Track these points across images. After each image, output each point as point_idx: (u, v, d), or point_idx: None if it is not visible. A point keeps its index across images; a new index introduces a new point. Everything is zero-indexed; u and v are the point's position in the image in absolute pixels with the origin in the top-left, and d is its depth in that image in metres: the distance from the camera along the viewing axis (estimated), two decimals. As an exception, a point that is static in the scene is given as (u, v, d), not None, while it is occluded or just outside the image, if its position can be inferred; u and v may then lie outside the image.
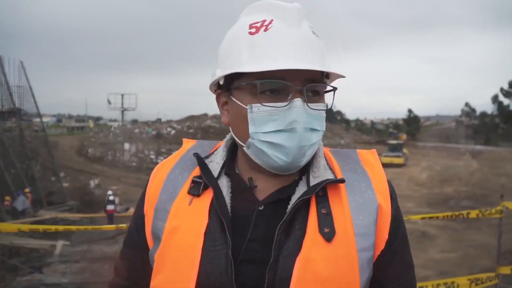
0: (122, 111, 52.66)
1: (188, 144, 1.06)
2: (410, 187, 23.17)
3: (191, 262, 0.84)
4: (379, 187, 0.91)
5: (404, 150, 34.31)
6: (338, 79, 0.94)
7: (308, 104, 0.85)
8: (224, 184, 0.91)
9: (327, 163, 0.94)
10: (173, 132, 37.34)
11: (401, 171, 28.50)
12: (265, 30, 0.85)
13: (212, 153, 1.00)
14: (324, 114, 0.90)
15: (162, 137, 35.62)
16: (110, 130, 40.12)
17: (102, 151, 31.78)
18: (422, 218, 4.01)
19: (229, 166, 0.95)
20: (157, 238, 0.91)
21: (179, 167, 0.98)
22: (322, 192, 0.87)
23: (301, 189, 0.89)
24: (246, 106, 0.86)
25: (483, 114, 61.41)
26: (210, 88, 0.98)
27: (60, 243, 10.87)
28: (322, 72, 0.89)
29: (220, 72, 0.90)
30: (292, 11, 0.87)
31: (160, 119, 52.32)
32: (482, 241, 11.01)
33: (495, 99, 56.94)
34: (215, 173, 0.92)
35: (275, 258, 0.83)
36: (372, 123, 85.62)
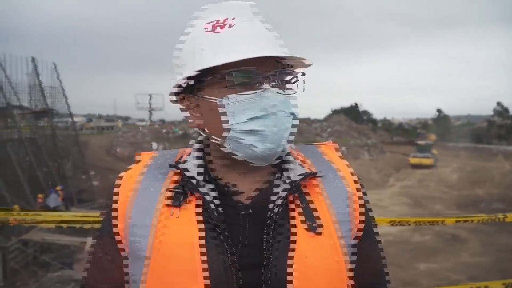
0: (150, 111, 53.55)
1: (146, 156, 1.01)
2: (439, 188, 22.66)
3: (193, 276, 0.82)
4: (344, 175, 0.97)
5: (433, 151, 33.58)
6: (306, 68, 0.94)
7: (278, 90, 0.87)
8: (208, 191, 0.89)
9: (295, 159, 0.95)
10: (199, 132, 37.52)
11: (430, 172, 27.90)
12: (230, 27, 0.87)
13: (178, 161, 0.94)
14: (295, 98, 0.91)
15: (188, 137, 35.95)
16: (138, 129, 40.83)
17: (130, 151, 32.33)
18: (457, 222, 3.89)
19: (205, 172, 0.93)
20: (136, 257, 0.87)
21: (146, 178, 0.93)
22: None
23: (281, 188, 0.90)
24: (222, 99, 0.85)
25: (517, 114, 59.33)
26: (170, 95, 0.95)
27: (90, 240, 11.13)
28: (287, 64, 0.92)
29: (187, 74, 0.88)
30: (250, 9, 0.91)
31: (186, 119, 52.60)
32: (515, 245, 10.64)
33: (529, 98, 54.89)
34: (195, 180, 0.90)
35: (269, 259, 0.84)
36: (401, 124, 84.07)
